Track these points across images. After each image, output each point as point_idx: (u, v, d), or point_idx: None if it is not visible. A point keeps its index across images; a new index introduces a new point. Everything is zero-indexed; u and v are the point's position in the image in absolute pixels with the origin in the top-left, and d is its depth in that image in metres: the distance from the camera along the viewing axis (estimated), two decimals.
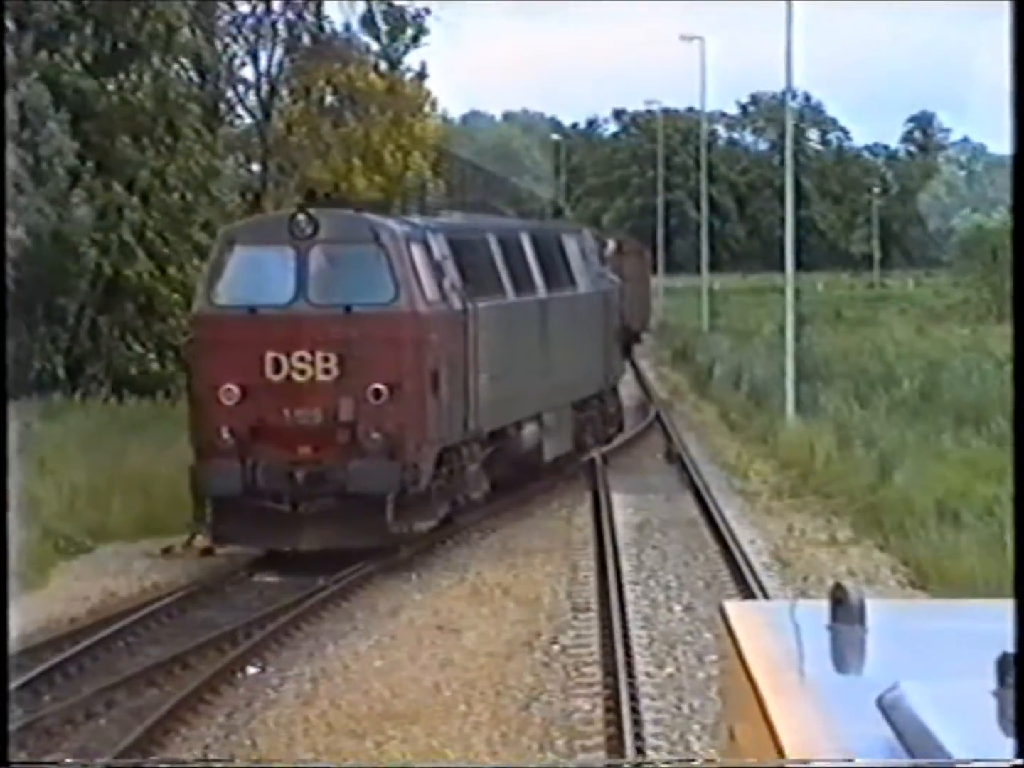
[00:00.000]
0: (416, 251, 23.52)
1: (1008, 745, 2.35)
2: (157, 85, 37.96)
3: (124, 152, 36.28)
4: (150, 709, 16.56)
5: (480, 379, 24.71)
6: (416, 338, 23.10)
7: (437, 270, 23.91)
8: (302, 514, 22.58)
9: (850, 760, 2.27)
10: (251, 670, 18.14)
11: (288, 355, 22.65)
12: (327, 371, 22.66)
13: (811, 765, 2.45)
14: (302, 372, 22.66)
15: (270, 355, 22.66)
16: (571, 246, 32.09)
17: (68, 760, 11.70)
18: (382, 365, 22.70)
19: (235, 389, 22.63)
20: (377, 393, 22.54)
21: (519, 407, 27.25)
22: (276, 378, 22.68)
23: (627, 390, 52.03)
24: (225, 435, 22.55)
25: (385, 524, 22.25)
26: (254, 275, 23.55)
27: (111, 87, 36.76)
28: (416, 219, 26.02)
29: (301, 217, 23.29)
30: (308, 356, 22.65)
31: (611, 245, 39.02)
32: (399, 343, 22.99)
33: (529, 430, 27.80)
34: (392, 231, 23.46)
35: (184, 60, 42.17)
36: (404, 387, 22.75)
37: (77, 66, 35.96)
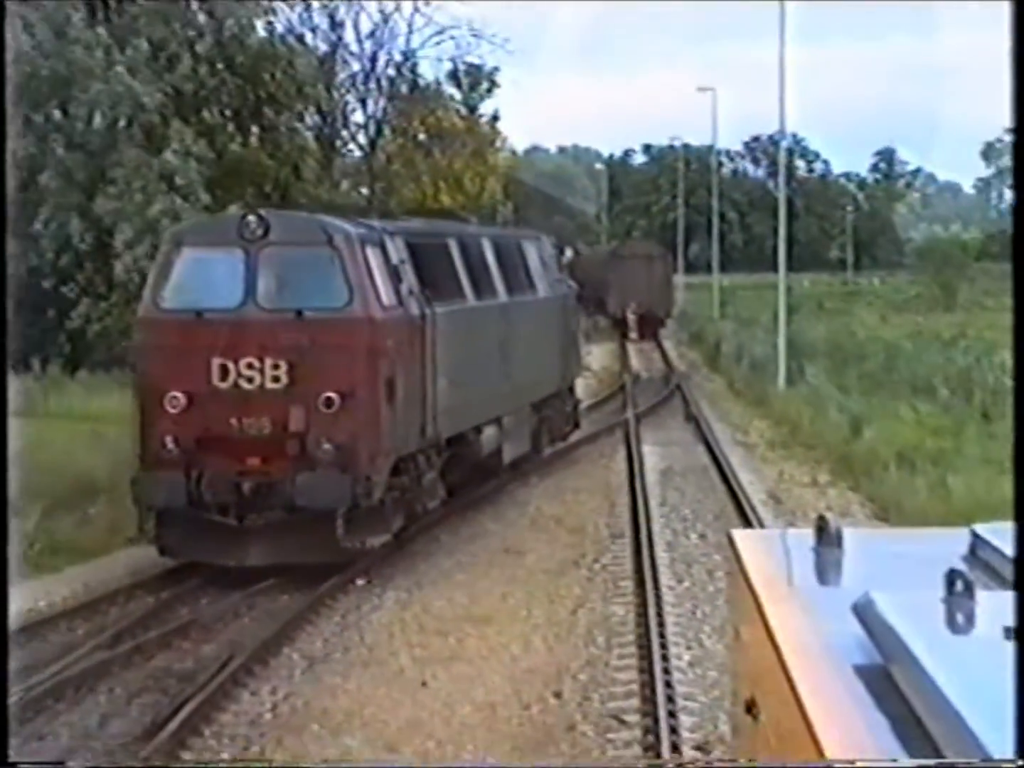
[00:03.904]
0: (371, 254, 18.58)
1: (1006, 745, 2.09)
2: (288, 138, 37.91)
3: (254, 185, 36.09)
4: (283, 611, 16.66)
5: (439, 385, 19.72)
6: (370, 344, 18.07)
7: (394, 274, 18.91)
8: (249, 528, 17.70)
9: (895, 761, 2.14)
10: (359, 582, 18.11)
11: (236, 362, 17.83)
12: (276, 379, 17.82)
13: (853, 765, 2.30)
14: (250, 380, 17.82)
15: (217, 361, 17.81)
16: (531, 252, 26.77)
17: (70, 762, 11.05)
18: (334, 373, 17.78)
19: (181, 397, 17.77)
20: (329, 402, 17.67)
21: (479, 411, 22.08)
22: (223, 386, 17.83)
23: (655, 364, 52.05)
24: (170, 445, 17.70)
25: (336, 539, 17.63)
26: (202, 278, 18.55)
27: (253, 134, 36.78)
28: (374, 222, 20.68)
29: (251, 218, 18.43)
30: (257, 363, 17.83)
31: (568, 253, 34.21)
32: (352, 350, 17.95)
33: (489, 433, 22.59)
34: (346, 233, 18.48)
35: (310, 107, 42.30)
36: (357, 396, 17.85)
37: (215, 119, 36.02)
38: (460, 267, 22.01)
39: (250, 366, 17.82)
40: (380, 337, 18.16)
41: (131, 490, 18.08)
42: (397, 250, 19.27)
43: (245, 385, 17.81)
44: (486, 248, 23.79)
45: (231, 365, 17.81)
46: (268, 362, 17.81)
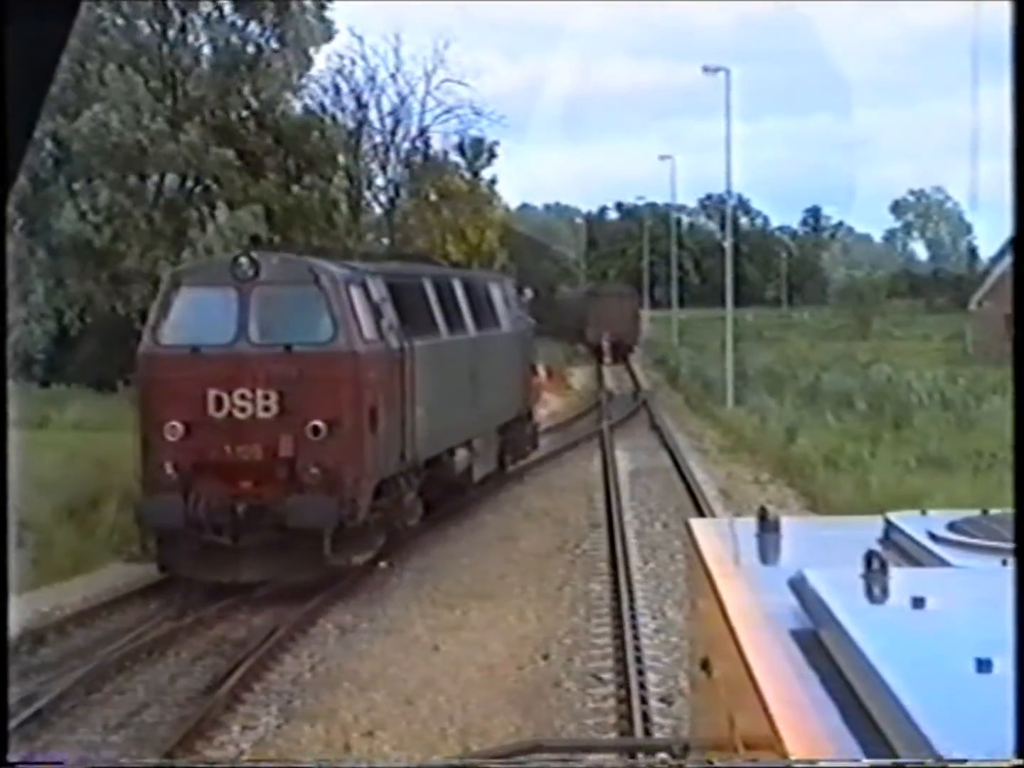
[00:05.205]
0: (355, 293, 17.01)
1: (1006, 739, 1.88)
2: (322, 192, 37.95)
3: (296, 235, 35.95)
4: (318, 591, 16.60)
5: (416, 412, 18.07)
6: (354, 376, 16.52)
7: (375, 311, 17.34)
8: (243, 547, 16.05)
9: (856, 760, 2.03)
10: (382, 565, 17.94)
11: (230, 393, 16.24)
12: (267, 408, 16.21)
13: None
14: (243, 409, 16.23)
15: (212, 393, 16.23)
16: (495, 292, 24.82)
17: (70, 759, 10.76)
18: (321, 403, 16.14)
19: (179, 426, 16.16)
20: (316, 430, 16.05)
21: (452, 435, 20.27)
22: (218, 415, 16.23)
23: (625, 383, 51.95)
24: (169, 470, 16.13)
25: (323, 557, 16.03)
26: (198, 316, 16.83)
27: (294, 190, 36.67)
28: (357, 263, 19.18)
29: (243, 260, 16.90)
30: (249, 394, 16.23)
31: (528, 293, 31.71)
32: (337, 381, 16.35)
33: (461, 455, 20.83)
34: (331, 274, 16.94)
35: (341, 171, 42.40)
36: (343, 424, 16.22)
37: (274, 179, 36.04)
38: (434, 305, 20.45)
39: (243, 397, 16.27)
40: (363, 369, 16.66)
41: (133, 512, 16.74)
42: (378, 289, 17.75)
43: (238, 414, 16.26)
44: (457, 288, 22.11)
45: (225, 396, 16.26)
46: (259, 393, 16.25)
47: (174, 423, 16.18)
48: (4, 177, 1.89)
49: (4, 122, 1.84)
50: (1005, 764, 1.84)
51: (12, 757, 2.02)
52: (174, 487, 16.05)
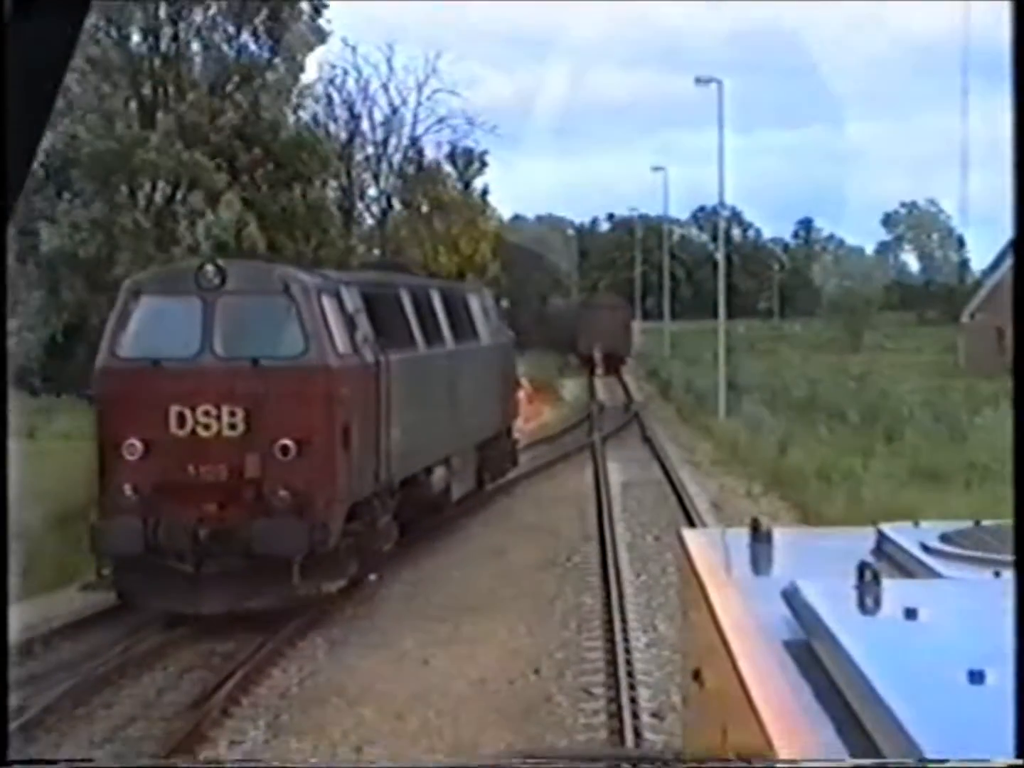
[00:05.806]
0: (328, 303, 15.82)
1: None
2: (316, 198, 38.01)
3: (287, 245, 35.93)
4: (308, 602, 16.54)
5: (392, 430, 16.96)
6: (326, 392, 15.30)
7: (349, 323, 16.15)
8: (206, 574, 14.90)
9: (841, 760, 2.03)
10: (371, 577, 17.74)
11: (193, 409, 15.06)
12: (233, 426, 15.05)
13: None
14: (207, 427, 15.06)
15: (174, 409, 15.06)
16: (474, 303, 23.69)
17: (69, 760, 10.59)
18: (291, 420, 14.99)
19: (138, 444, 15.02)
20: (285, 449, 14.94)
21: (430, 453, 19.16)
22: (180, 433, 15.06)
23: (617, 395, 51.96)
24: (128, 492, 14.94)
25: (292, 586, 14.90)
26: (159, 327, 15.64)
27: (283, 199, 36.65)
28: (330, 272, 18.08)
29: (209, 267, 15.67)
30: (213, 411, 15.06)
31: (504, 303, 30.39)
32: (308, 398, 15.13)
33: (438, 474, 19.75)
34: (303, 283, 15.75)
35: (333, 182, 42.49)
36: (314, 443, 15.08)
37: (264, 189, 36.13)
38: (411, 316, 19.28)
39: (207, 414, 15.11)
40: (336, 385, 15.45)
41: (89, 537, 15.29)
42: (352, 299, 16.59)
43: (202, 432, 15.11)
44: (434, 298, 20.92)
45: (188, 413, 15.11)
46: (225, 410, 15.09)
47: (133, 441, 15.12)
48: (5, 178, 1.88)
49: (7, 123, 1.83)
50: (1006, 764, 1.84)
51: (12, 757, 2.01)
52: (133, 510, 14.94)
